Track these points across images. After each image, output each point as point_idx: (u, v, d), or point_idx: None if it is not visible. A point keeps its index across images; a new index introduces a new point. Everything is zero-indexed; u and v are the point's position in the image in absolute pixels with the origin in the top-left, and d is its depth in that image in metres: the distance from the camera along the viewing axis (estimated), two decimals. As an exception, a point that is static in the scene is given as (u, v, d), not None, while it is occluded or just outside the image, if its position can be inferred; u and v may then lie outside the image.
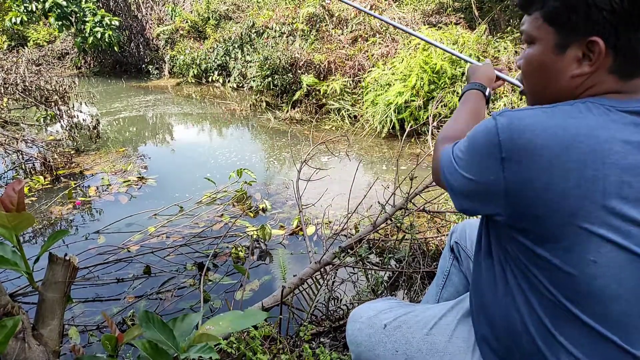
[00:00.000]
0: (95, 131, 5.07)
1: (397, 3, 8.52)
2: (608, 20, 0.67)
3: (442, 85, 5.29)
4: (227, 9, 10.33)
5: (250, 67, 8.02)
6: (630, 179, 0.66)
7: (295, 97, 6.65)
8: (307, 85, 6.54)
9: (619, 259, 0.68)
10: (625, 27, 0.66)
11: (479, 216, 0.90)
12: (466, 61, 1.42)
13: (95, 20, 9.57)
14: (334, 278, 2.07)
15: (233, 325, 0.88)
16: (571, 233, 0.68)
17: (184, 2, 11.25)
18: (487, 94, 1.17)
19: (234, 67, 8.85)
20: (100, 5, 10.48)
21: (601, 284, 0.69)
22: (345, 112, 6.22)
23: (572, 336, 0.73)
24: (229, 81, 8.96)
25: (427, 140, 4.45)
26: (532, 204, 0.70)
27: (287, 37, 7.99)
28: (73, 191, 3.71)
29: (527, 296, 0.76)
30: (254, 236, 2.84)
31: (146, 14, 11.26)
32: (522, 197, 0.70)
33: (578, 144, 0.66)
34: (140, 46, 11.01)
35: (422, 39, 1.58)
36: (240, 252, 2.72)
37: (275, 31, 8.17)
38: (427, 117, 4.91)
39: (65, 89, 5.21)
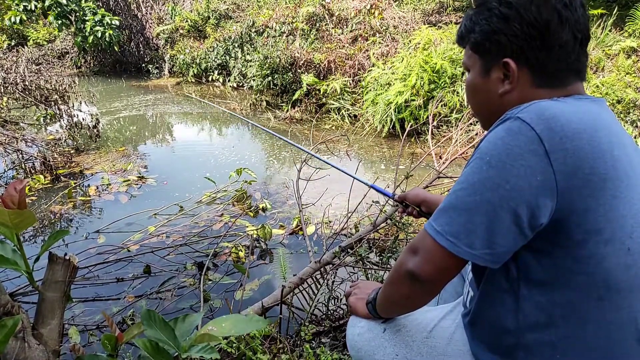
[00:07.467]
0: (95, 130, 5.07)
1: (397, 2, 8.52)
2: (514, 43, 0.76)
3: (442, 84, 5.29)
4: (227, 8, 10.33)
5: (250, 66, 8.01)
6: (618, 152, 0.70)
7: (295, 97, 6.65)
8: (307, 84, 6.53)
9: None
10: (529, 47, 0.75)
11: None
12: (374, 189, 1.40)
13: (96, 19, 9.56)
14: (334, 277, 2.07)
15: (236, 328, 0.89)
16: (613, 219, 0.67)
17: (183, 1, 11.24)
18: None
19: (234, 67, 8.84)
20: (100, 4, 10.47)
21: (632, 274, 0.69)
22: (345, 111, 6.21)
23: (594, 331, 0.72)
24: (229, 80, 8.96)
25: (427, 139, 4.46)
26: (580, 194, 0.66)
27: (287, 36, 7.99)
28: (73, 191, 3.71)
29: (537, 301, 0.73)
30: (254, 235, 2.84)
31: (146, 13, 11.25)
32: (571, 190, 0.66)
33: (601, 127, 0.69)
34: (140, 45, 10.99)
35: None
36: (240, 252, 2.72)
37: (275, 30, 8.16)
38: (427, 117, 4.91)
39: (65, 88, 5.20)
